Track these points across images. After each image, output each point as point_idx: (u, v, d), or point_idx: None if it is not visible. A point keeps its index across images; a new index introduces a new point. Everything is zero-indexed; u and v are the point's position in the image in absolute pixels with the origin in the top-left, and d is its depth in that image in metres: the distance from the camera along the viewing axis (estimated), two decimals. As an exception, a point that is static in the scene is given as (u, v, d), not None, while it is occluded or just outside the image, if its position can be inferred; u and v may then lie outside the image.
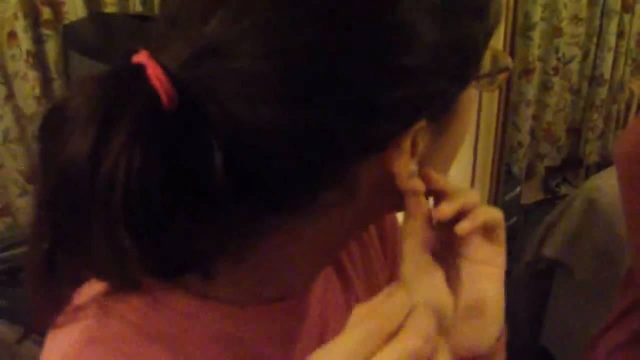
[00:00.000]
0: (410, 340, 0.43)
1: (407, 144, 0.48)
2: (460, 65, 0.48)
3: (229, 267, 0.51)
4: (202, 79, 0.43)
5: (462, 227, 0.56)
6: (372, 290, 0.72)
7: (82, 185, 0.40)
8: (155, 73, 0.42)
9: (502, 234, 0.61)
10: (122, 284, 0.46)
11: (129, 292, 0.50)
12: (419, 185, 0.51)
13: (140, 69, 0.42)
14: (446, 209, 0.56)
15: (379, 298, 0.46)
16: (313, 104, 0.43)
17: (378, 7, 0.43)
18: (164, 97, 0.41)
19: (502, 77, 0.57)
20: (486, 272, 0.61)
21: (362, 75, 0.43)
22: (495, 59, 0.55)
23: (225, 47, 0.42)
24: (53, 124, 0.42)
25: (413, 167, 0.50)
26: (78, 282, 0.51)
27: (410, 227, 0.58)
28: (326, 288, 0.66)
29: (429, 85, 0.46)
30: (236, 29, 0.42)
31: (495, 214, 0.59)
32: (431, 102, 0.48)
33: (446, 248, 0.60)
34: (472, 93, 0.54)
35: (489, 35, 0.51)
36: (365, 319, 0.44)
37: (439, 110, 0.50)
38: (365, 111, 0.44)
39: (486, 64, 0.53)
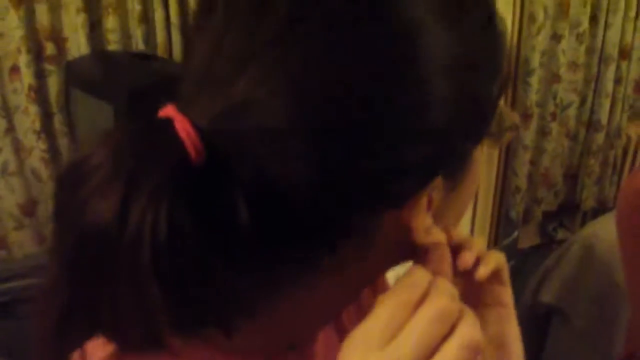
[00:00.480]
0: (438, 300, 0.46)
1: (424, 199, 0.49)
2: (476, 124, 0.50)
3: (245, 319, 0.50)
4: (230, 134, 0.43)
5: (481, 273, 0.60)
6: None
7: (107, 243, 0.39)
8: (183, 127, 0.41)
9: (506, 275, 0.65)
10: (145, 342, 0.44)
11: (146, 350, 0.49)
12: (441, 237, 0.53)
13: (168, 122, 0.42)
14: (469, 258, 0.59)
15: (400, 278, 0.48)
16: (340, 162, 0.43)
17: (403, 70, 0.43)
18: (192, 152, 0.41)
19: (510, 134, 0.58)
20: (501, 313, 0.65)
21: (387, 135, 0.44)
22: (502, 116, 0.56)
23: (254, 105, 0.42)
24: (72, 180, 0.41)
25: (429, 221, 0.51)
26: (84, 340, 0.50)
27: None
28: (325, 339, 0.66)
29: (448, 145, 0.47)
30: (266, 88, 0.42)
31: (499, 257, 0.63)
32: (450, 161, 0.49)
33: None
34: (479, 149, 0.55)
35: (501, 93, 0.52)
36: (391, 295, 0.46)
37: (455, 167, 0.52)
38: (389, 169, 0.45)
39: (494, 121, 0.54)
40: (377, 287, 0.78)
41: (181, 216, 0.40)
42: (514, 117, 0.58)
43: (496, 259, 0.62)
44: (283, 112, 0.42)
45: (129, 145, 0.41)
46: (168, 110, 0.43)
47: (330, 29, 0.43)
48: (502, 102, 0.55)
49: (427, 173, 0.48)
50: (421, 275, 0.48)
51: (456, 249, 0.59)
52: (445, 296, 0.46)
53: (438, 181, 0.49)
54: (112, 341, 0.46)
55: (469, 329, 0.46)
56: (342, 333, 0.69)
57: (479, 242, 0.61)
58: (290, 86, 0.42)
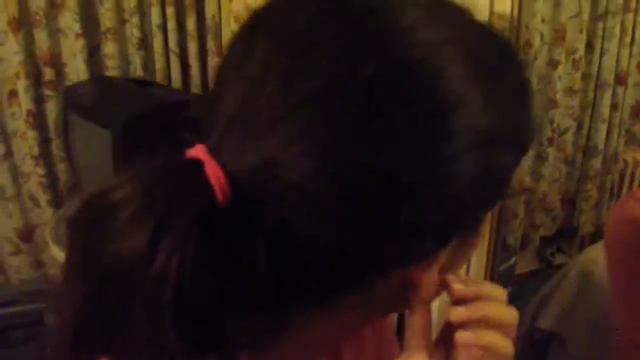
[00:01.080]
0: None
1: (436, 258, 0.50)
2: (496, 191, 0.51)
3: (247, 355, 0.51)
4: (258, 185, 0.43)
5: (457, 338, 0.56)
6: None
7: (132, 277, 0.40)
8: (214, 172, 0.42)
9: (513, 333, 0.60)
10: None
11: None
12: (432, 294, 0.53)
13: (198, 165, 0.43)
14: (461, 314, 0.56)
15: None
16: (363, 225, 0.44)
17: (434, 145, 0.44)
18: (220, 197, 0.42)
19: (522, 196, 0.60)
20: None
21: (411, 201, 0.44)
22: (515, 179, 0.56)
23: (285, 163, 0.43)
24: (94, 215, 0.42)
25: (435, 278, 0.52)
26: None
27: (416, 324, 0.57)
28: None
29: (468, 211, 0.48)
30: (298, 148, 0.42)
31: (503, 344, 0.57)
32: (466, 225, 0.51)
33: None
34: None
35: (520, 159, 0.53)
36: None
37: (470, 230, 0.53)
38: (409, 234, 0.46)
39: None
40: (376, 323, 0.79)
41: (205, 259, 0.41)
42: (527, 181, 0.59)
43: (497, 342, 0.56)
44: (310, 174, 0.42)
45: (159, 184, 0.42)
46: (199, 152, 0.44)
47: (369, 98, 0.43)
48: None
49: (445, 237, 0.49)
50: None
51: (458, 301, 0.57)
52: None
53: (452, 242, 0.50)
54: None
55: None
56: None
57: (502, 293, 0.58)
58: (319, 150, 0.42)
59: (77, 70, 2.37)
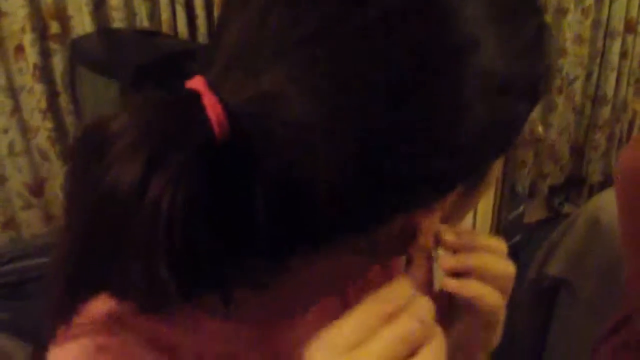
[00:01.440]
0: (407, 322, 0.46)
1: (439, 205, 0.49)
2: (504, 141, 0.49)
3: (247, 292, 0.51)
4: (257, 120, 0.42)
5: (443, 284, 0.56)
6: None
7: (125, 210, 0.40)
8: (212, 105, 0.41)
9: (494, 319, 0.60)
10: (151, 307, 0.45)
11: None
12: (430, 242, 0.52)
13: (196, 97, 0.42)
14: (449, 262, 0.56)
15: (385, 286, 0.48)
16: (363, 170, 0.43)
17: (444, 84, 0.43)
18: (217, 131, 0.41)
19: (534, 145, 0.59)
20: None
21: (415, 146, 0.43)
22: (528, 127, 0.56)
23: (284, 99, 0.42)
24: (94, 142, 0.41)
25: (438, 224, 0.51)
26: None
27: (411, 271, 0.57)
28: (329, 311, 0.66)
29: (475, 159, 0.47)
30: (298, 85, 0.41)
31: (492, 296, 0.57)
32: (474, 173, 0.50)
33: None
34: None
35: (532, 109, 0.51)
36: (369, 302, 0.47)
37: (476, 178, 0.52)
38: (414, 178, 0.45)
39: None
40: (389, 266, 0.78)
41: (200, 194, 0.40)
42: (539, 130, 0.58)
43: (483, 293, 0.56)
44: (312, 111, 0.41)
45: (155, 115, 0.41)
46: (197, 83, 0.43)
47: (375, 36, 0.41)
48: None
49: (450, 184, 0.48)
50: (401, 289, 0.49)
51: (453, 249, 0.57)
52: (415, 319, 0.46)
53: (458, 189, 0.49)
54: (118, 301, 0.47)
55: (430, 357, 0.46)
56: (347, 307, 0.69)
57: (499, 246, 0.58)
58: (321, 90, 0.41)
59: (82, 23, 2.35)
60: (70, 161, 0.44)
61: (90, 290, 0.46)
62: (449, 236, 0.55)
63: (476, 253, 0.56)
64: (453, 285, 0.55)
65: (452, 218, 0.54)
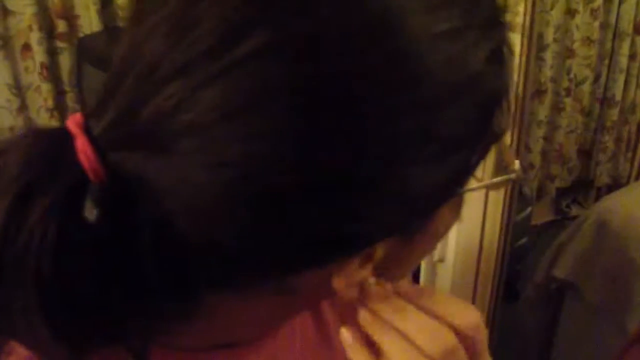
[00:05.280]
0: None
1: (353, 263, 0.43)
2: (435, 199, 0.43)
3: (178, 325, 0.46)
4: (134, 164, 0.37)
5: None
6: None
7: None
8: (83, 148, 0.37)
9: None
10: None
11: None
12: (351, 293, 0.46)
13: (69, 139, 0.38)
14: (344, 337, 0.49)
15: None
16: (261, 228, 0.38)
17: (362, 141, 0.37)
18: (90, 175, 0.37)
19: (504, 181, 0.51)
20: None
21: (322, 202, 0.37)
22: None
23: (164, 140, 0.36)
24: None
25: (363, 275, 0.44)
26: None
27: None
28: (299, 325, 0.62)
29: (396, 220, 0.41)
30: (178, 123, 0.36)
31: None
32: (398, 232, 0.43)
33: None
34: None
35: (483, 156, 0.44)
36: None
37: (412, 232, 0.44)
38: (314, 241, 0.39)
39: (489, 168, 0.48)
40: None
41: (71, 240, 0.36)
42: (516, 167, 0.52)
43: None
44: (197, 157, 0.36)
45: (29, 155, 0.37)
46: (73, 123, 0.39)
47: (266, 68, 0.35)
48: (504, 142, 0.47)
49: (361, 246, 0.42)
50: None
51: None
52: None
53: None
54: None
55: None
56: (319, 320, 0.64)
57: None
58: (203, 134, 0.35)
59: (90, 21, 2.35)
60: None
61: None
62: (374, 301, 0.48)
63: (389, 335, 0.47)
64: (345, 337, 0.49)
65: (390, 269, 0.46)
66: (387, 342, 0.47)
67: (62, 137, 0.38)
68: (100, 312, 0.39)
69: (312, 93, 0.35)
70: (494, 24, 0.42)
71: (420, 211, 0.42)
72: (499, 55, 0.42)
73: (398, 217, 0.40)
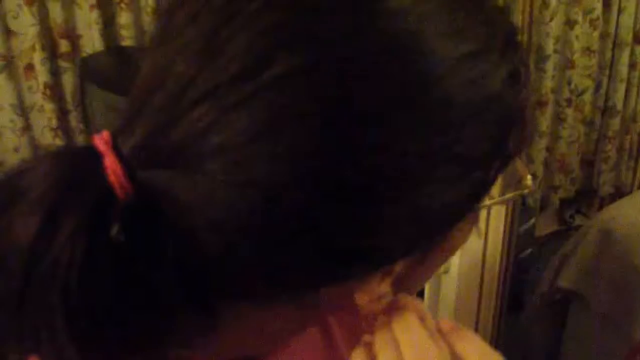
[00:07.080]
0: None
1: (374, 279, 0.45)
2: (452, 216, 0.44)
3: (195, 339, 0.46)
4: (162, 182, 0.38)
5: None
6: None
7: (20, 276, 0.36)
8: (112, 167, 0.38)
9: None
10: None
11: None
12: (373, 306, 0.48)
13: (98, 157, 0.38)
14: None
15: None
16: (283, 245, 0.39)
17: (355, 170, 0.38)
18: (118, 192, 0.37)
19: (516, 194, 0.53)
20: None
21: (347, 222, 0.39)
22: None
23: (194, 160, 0.37)
24: (3, 197, 0.38)
25: (383, 290, 0.46)
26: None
27: None
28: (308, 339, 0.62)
29: (420, 235, 0.42)
30: (208, 144, 0.37)
31: None
32: (420, 247, 0.44)
33: None
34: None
35: (497, 174, 0.45)
36: None
37: (430, 247, 0.46)
38: (344, 257, 0.40)
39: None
40: None
41: (99, 255, 0.37)
42: (529, 182, 0.53)
43: None
44: (220, 177, 0.37)
45: (57, 173, 0.38)
46: (101, 141, 0.39)
47: (294, 94, 0.36)
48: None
49: (386, 260, 0.43)
50: None
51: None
52: None
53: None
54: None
55: None
56: (326, 334, 0.64)
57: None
58: (229, 151, 0.37)
59: (92, 41, 2.36)
60: None
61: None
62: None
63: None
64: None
65: (406, 284, 0.48)
66: None
67: (89, 155, 0.39)
68: (123, 327, 0.39)
69: (336, 115, 0.37)
70: (512, 45, 0.44)
71: (438, 228, 0.43)
72: (516, 76, 0.43)
73: (417, 233, 0.42)
